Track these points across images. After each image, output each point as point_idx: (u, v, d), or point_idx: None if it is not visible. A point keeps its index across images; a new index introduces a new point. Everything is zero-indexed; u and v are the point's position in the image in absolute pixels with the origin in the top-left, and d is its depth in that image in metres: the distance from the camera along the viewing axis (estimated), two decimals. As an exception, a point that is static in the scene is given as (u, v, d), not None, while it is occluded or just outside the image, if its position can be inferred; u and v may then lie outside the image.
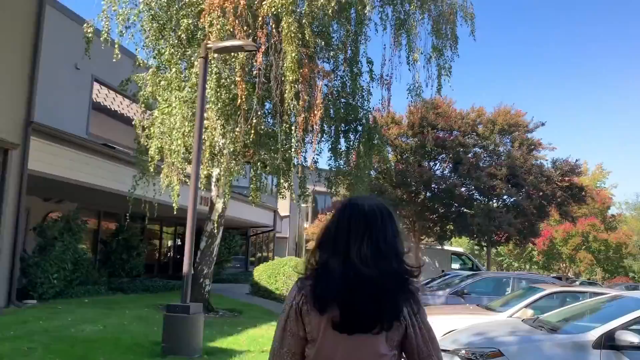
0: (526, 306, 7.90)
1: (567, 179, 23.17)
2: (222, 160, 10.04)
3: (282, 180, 10.94)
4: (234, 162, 9.86)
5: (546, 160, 23.85)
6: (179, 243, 23.79)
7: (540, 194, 22.19)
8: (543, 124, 23.57)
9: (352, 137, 13.74)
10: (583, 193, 23.45)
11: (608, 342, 4.91)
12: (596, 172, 48.27)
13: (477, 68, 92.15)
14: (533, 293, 8.31)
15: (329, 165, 13.38)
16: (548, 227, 29.59)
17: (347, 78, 13.25)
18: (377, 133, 13.50)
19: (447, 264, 24.00)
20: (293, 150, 9.77)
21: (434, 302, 11.01)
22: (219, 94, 9.32)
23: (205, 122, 9.36)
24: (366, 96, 13.49)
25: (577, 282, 23.73)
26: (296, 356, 1.75)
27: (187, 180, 9.86)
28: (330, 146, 13.37)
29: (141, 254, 18.15)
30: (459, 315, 8.03)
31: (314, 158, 13.13)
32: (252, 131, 10.01)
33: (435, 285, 13.48)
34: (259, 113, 10.25)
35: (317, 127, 9.72)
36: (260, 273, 18.28)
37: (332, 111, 13.16)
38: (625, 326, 5.04)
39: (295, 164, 11.43)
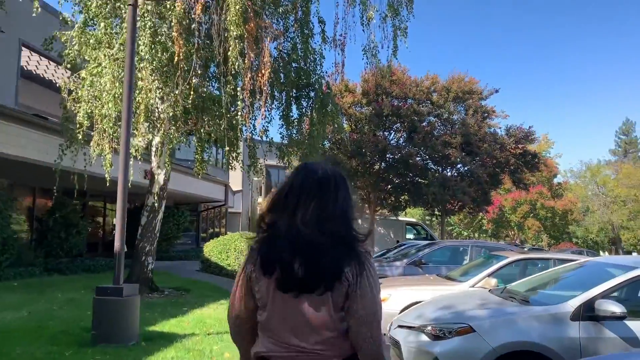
0: (489, 275, 7.47)
1: (520, 146, 23.21)
2: (160, 127, 9.07)
3: (228, 149, 10.06)
4: (173, 128, 8.91)
5: (499, 128, 23.86)
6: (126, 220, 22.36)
7: (494, 161, 22.13)
8: (497, 91, 23.47)
9: (304, 104, 13.03)
10: (536, 160, 23.59)
11: (587, 312, 4.45)
12: (542, 142, 49.46)
13: (431, 35, 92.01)
14: (495, 261, 7.92)
15: (281, 134, 12.62)
16: (497, 195, 29.97)
17: (297, 40, 12.43)
18: (330, 100, 12.80)
19: (402, 235, 23.83)
20: (240, 116, 8.91)
21: (391, 273, 10.57)
22: (154, 51, 8.33)
23: (139, 82, 8.38)
24: (319, 60, 12.75)
25: (525, 249, 24.07)
26: (248, 322, 1.79)
27: (137, 155, 8.91)
28: (281, 114, 12.60)
29: (82, 232, 16.98)
30: (420, 287, 7.56)
31: (263, 125, 12.36)
32: (193, 94, 9.08)
33: (392, 256, 13.07)
34: (200, 73, 9.31)
35: (265, 90, 8.90)
36: (211, 249, 17.47)
37: (282, 76, 12.36)
38: (604, 295, 4.58)
39: (244, 131, 10.60)
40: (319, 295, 1.64)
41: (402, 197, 24.06)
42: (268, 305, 1.70)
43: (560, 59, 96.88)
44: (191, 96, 8.89)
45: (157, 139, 10.61)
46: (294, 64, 12.50)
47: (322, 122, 12.47)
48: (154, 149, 10.78)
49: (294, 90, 12.69)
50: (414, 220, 29.21)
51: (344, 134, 12.84)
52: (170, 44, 8.65)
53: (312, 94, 12.75)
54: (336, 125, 13.01)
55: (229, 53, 8.66)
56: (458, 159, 21.15)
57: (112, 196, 22.02)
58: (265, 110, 9.17)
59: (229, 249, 15.95)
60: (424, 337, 4.76)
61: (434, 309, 5.26)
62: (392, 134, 22.44)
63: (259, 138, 12.56)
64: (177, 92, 8.90)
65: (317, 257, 1.64)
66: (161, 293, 10.81)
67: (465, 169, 22.09)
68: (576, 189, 55.63)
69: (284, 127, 12.38)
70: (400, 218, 25.20)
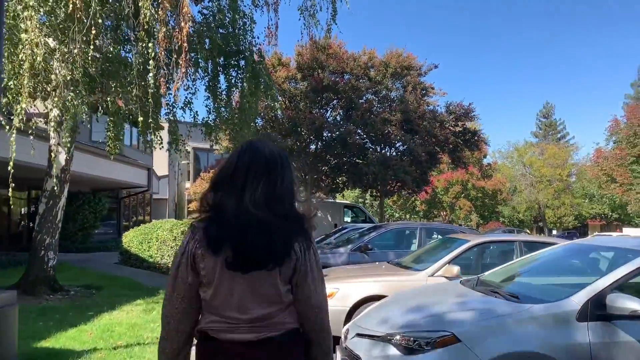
0: (449, 262, 6.55)
1: (460, 123, 22.81)
2: (53, 93, 7.45)
3: (142, 122, 8.54)
4: (71, 95, 7.30)
5: (438, 105, 23.31)
6: (33, 209, 20.32)
7: (434, 140, 21.59)
8: (436, 67, 22.87)
9: (233, 73, 11.62)
10: (476, 138, 23.28)
11: (596, 310, 3.52)
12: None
13: (364, 10, 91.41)
14: (452, 245, 7.03)
15: (207, 106, 11.17)
16: (432, 176, 29.88)
17: (224, 2, 11.00)
18: (263, 69, 11.48)
19: (340, 218, 22.96)
20: (153, 79, 7.43)
21: (335, 261, 9.55)
22: (42, -4, 6.67)
23: (22, 35, 6.72)
24: (249, 25, 11.37)
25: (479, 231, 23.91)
26: (187, 300, 1.78)
27: (21, 125, 7.21)
28: (206, 84, 11.14)
29: None
30: (372, 278, 6.55)
31: (186, 97, 10.91)
32: (98, 55, 7.51)
33: (333, 242, 12.03)
34: (105, 30, 7.72)
35: (185, 48, 7.47)
36: (131, 239, 15.86)
37: (207, 42, 10.87)
38: (614, 287, 3.66)
39: (162, 101, 9.10)
40: (268, 270, 1.72)
41: (340, 179, 23.12)
42: (214, 283, 1.73)
43: (491, 41, 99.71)
44: (94, 58, 7.30)
45: (55, 112, 8.89)
46: (220, 30, 11.08)
47: (254, 93, 11.18)
48: (51, 123, 9.04)
49: (222, 58, 11.26)
50: (351, 202, 28.44)
51: (279, 107, 11.55)
52: (64, -10, 7.02)
53: (242, 62, 11.36)
54: (270, 98, 11.72)
55: (140, 3, 7.15)
56: (398, 137, 20.39)
57: (19, 183, 19.82)
58: (186, 73, 7.71)
59: (151, 239, 14.38)
60: (393, 350, 3.71)
61: (402, 310, 4.20)
62: (329, 112, 21.30)
63: (181, 112, 11.08)
64: (75, 50, 7.28)
65: (269, 236, 1.69)
66: (65, 293, 9.21)
67: (404, 147, 21.40)
68: (504, 169, 57.40)
69: (211, 99, 10.95)
70: (337, 200, 24.39)
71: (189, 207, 36.61)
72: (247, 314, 1.71)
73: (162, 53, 7.56)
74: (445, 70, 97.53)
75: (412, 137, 20.75)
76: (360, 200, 47.05)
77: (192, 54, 10.13)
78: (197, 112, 11.13)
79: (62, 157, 9.12)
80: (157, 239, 14.06)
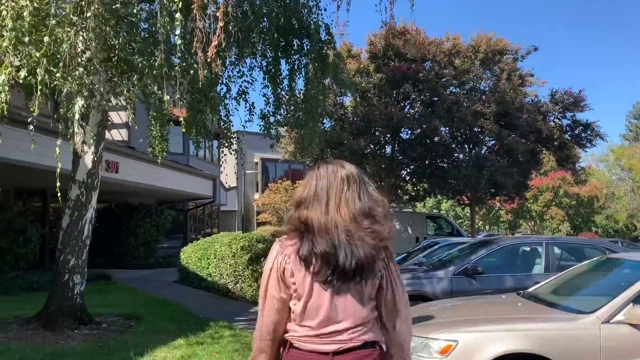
0: (633, 300, 4.07)
1: (569, 115, 19.46)
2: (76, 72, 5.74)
3: (183, 118, 6.66)
4: (81, 69, 5.54)
5: (536, 97, 20.05)
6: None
7: (534, 136, 18.44)
8: (536, 49, 19.68)
9: (296, 55, 9.61)
10: (589, 132, 19.62)
11: None
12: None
13: None
14: (627, 272, 4.48)
15: (264, 95, 9.23)
16: (532, 179, 26.44)
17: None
18: (332, 48, 9.41)
19: (422, 230, 20.36)
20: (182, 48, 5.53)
21: (432, 288, 7.27)
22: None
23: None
24: (314, -1, 9.39)
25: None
26: (279, 313, 1.88)
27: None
28: (265, 68, 9.21)
29: (32, 239, 13.68)
30: (507, 324, 4.34)
31: (241, 86, 9.05)
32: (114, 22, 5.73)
33: (423, 260, 9.64)
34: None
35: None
36: (189, 255, 14.32)
37: (265, 21, 8.97)
38: None
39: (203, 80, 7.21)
40: (356, 284, 1.80)
41: (421, 185, 20.48)
42: (304, 296, 1.80)
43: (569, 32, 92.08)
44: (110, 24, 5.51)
45: (79, 102, 7.25)
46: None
47: (322, 77, 9.09)
48: (76, 115, 7.40)
49: (282, 40, 9.29)
50: (435, 212, 25.67)
51: (352, 97, 9.44)
52: None
53: (306, 42, 9.36)
54: (341, 85, 9.63)
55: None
56: (494, 134, 17.54)
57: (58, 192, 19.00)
58: (227, 42, 5.76)
59: (209, 255, 12.61)
60: None
61: None
62: (407, 107, 18.74)
63: (234, 104, 9.19)
64: (89, 15, 5.51)
65: (358, 249, 1.76)
66: (95, 327, 7.53)
67: (496, 146, 18.38)
68: (599, 173, 52.01)
69: (269, 86, 8.99)
70: (417, 210, 21.78)
71: (257, 219, 35.32)
72: (332, 326, 1.80)
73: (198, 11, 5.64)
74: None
75: (509, 132, 17.79)
76: (434, 209, 43.78)
77: (247, 32, 8.26)
78: (253, 103, 9.21)
79: (89, 159, 7.47)
80: (215, 255, 12.30)
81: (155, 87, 7.37)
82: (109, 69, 7.21)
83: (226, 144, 9.33)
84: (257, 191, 37.10)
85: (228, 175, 34.81)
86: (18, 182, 8.86)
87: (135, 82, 7.20)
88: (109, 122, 10.59)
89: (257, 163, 37.67)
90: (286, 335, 1.86)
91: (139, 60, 6.31)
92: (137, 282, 14.46)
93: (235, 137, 9.54)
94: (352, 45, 18.23)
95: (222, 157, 10.28)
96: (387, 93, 17.67)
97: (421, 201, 22.59)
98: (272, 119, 9.43)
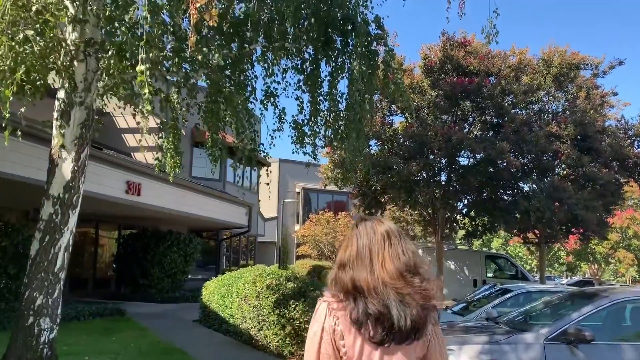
0: None
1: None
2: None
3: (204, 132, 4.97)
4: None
5: (617, 120, 17.46)
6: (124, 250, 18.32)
7: (617, 163, 15.83)
8: (621, 63, 17.13)
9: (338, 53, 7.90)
10: None
11: None
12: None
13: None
14: None
15: (297, 98, 7.48)
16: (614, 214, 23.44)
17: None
18: (384, 44, 7.66)
19: (481, 272, 17.88)
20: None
21: (516, 359, 5.06)
22: None
23: None
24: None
25: None
26: None
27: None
28: (298, 66, 7.52)
29: None
30: None
31: (266, 84, 7.38)
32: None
33: (496, 315, 7.42)
34: None
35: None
36: (212, 291, 12.65)
37: (304, 15, 7.40)
38: None
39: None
40: (408, 345, 1.79)
41: (481, 218, 18.06)
42: (355, 357, 1.78)
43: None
44: None
45: (61, 93, 5.71)
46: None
47: (370, 78, 7.27)
48: (55, 113, 5.84)
49: (321, 34, 7.63)
50: (495, 252, 23.00)
51: (405, 100, 7.58)
52: None
53: (350, 37, 7.64)
54: (393, 90, 7.79)
55: None
56: (571, 160, 15.09)
57: (105, 220, 18.01)
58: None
59: (232, 293, 10.79)
60: None
61: None
62: (467, 128, 16.50)
63: (261, 108, 7.44)
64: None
65: (409, 308, 1.76)
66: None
67: (572, 174, 15.83)
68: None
69: (303, 87, 7.25)
70: (474, 249, 19.32)
71: (297, 252, 33.46)
72: None
73: None
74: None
75: (590, 158, 15.29)
76: (483, 247, 40.50)
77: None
78: (284, 108, 7.47)
79: (67, 168, 5.83)
80: (237, 294, 10.43)
81: (154, 78, 5.77)
82: (99, 53, 5.67)
83: (245, 157, 7.53)
84: (298, 222, 35.39)
85: (268, 205, 33.42)
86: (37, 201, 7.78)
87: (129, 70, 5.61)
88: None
89: (298, 193, 36.18)
90: None
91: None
92: (152, 320, 12.82)
93: (259, 151, 7.79)
94: (404, 60, 16.39)
95: (259, 182, 8.53)
96: (445, 111, 15.59)
97: (479, 238, 20.14)
98: (306, 129, 7.71)
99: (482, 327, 6.35)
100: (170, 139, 8.11)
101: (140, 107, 6.28)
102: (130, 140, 19.92)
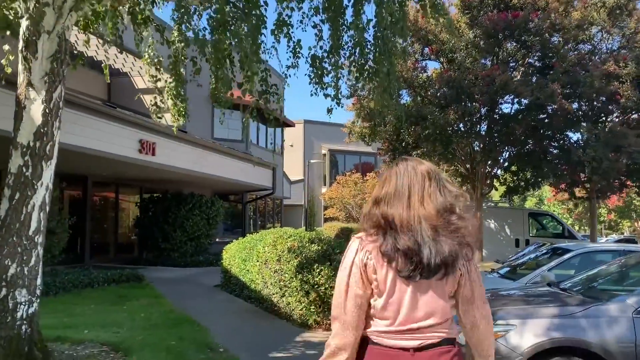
0: None
1: None
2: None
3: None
4: None
5: None
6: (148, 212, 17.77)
7: None
8: None
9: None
10: None
11: None
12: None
13: None
14: None
15: (317, 33, 6.25)
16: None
17: None
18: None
19: (524, 230, 16.57)
20: None
21: (599, 336, 4.07)
22: None
23: None
24: None
25: None
26: (362, 307, 1.88)
27: None
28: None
29: (56, 230, 11.98)
30: None
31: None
32: None
33: (553, 279, 6.24)
34: None
35: None
36: (232, 255, 12.02)
37: None
38: None
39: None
40: (438, 280, 1.81)
41: (524, 173, 16.58)
42: (386, 292, 1.82)
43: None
44: None
45: (25, 19, 4.66)
46: None
47: (399, 17, 5.95)
48: (20, 44, 4.81)
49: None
50: (538, 209, 21.49)
51: (448, 24, 6.29)
52: None
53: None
54: (430, 18, 6.45)
55: None
56: (633, 102, 13.40)
57: (125, 183, 17.37)
58: None
59: (252, 256, 9.91)
60: None
61: None
62: (511, 71, 14.83)
63: (272, 39, 6.24)
64: None
65: (442, 246, 1.77)
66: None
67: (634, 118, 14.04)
68: None
69: (323, 7, 6.02)
70: (515, 207, 17.91)
71: (324, 214, 32.59)
72: (413, 323, 1.81)
73: None
74: None
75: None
76: (513, 202, 38.51)
77: None
78: (299, 40, 6.28)
79: (37, 110, 4.81)
80: (257, 258, 9.52)
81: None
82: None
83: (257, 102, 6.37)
84: (325, 184, 34.40)
85: (294, 167, 32.45)
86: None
87: None
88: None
89: (325, 154, 35.08)
90: (367, 330, 1.89)
91: None
92: (171, 285, 12.16)
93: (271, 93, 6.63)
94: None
95: (283, 143, 7.44)
96: (485, 51, 13.99)
97: (521, 194, 18.63)
98: (326, 65, 6.52)
99: (547, 295, 5.20)
100: (171, 84, 7.06)
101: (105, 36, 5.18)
102: (150, 101, 19.13)
